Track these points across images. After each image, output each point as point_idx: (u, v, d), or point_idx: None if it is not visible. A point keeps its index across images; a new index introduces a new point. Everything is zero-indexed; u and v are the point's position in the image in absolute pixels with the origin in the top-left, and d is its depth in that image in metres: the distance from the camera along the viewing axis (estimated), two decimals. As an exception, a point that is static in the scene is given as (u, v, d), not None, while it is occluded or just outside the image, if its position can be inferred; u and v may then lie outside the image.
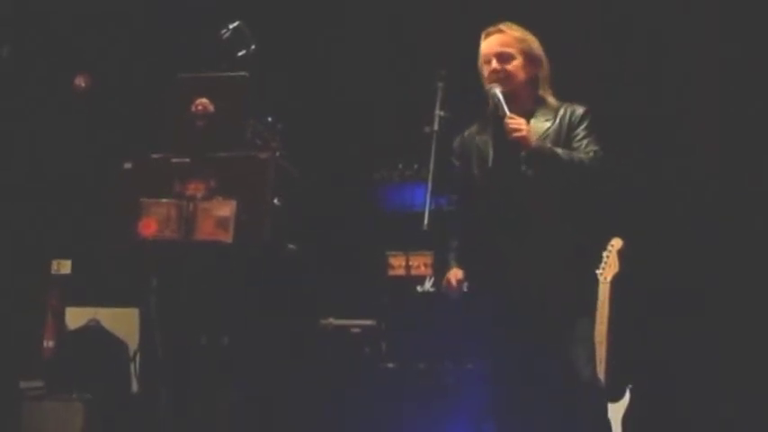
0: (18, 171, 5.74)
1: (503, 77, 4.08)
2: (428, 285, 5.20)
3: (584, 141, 4.02)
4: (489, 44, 4.15)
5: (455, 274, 4.12)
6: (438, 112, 4.35)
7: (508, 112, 3.99)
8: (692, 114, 5.70)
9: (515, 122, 3.97)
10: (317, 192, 5.50)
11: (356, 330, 5.33)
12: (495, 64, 4.10)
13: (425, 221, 4.03)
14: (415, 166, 5.14)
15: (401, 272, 5.20)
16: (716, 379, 5.35)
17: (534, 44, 4.16)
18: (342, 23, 6.30)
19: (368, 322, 5.30)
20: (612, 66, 5.79)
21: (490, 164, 4.08)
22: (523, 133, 3.96)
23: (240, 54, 4.77)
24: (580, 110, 4.10)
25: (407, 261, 5.16)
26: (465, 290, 4.12)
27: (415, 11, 6.10)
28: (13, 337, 5.44)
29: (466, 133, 4.26)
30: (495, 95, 4.06)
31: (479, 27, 4.15)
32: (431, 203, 3.97)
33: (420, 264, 5.20)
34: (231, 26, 4.79)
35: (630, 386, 4.96)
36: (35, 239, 5.76)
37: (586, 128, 4.06)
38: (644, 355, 5.27)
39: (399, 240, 5.15)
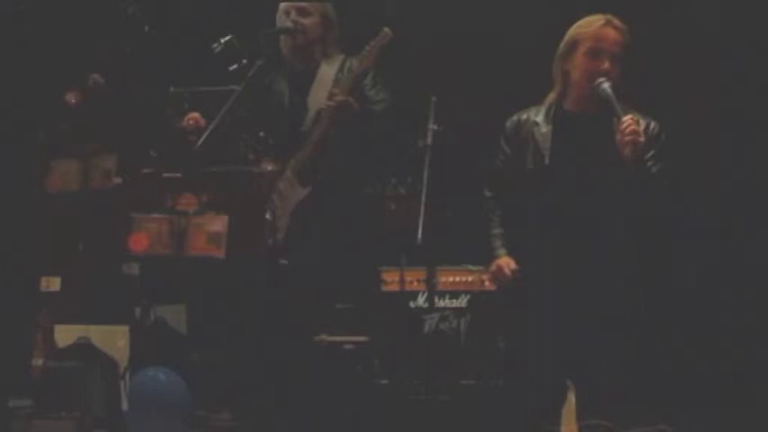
0: (5, 187, 5.71)
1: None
2: (421, 301, 5.17)
3: (657, 167, 3.82)
4: (609, 37, 3.87)
5: (507, 263, 3.88)
6: (431, 126, 4.34)
7: (622, 114, 3.73)
8: (690, 114, 5.68)
9: (637, 126, 3.72)
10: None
11: (349, 347, 5.29)
12: (608, 64, 3.84)
13: (419, 235, 4.00)
14: (409, 180, 5.12)
15: (395, 287, 5.17)
16: (718, 379, 5.33)
17: None
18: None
19: (361, 338, 5.27)
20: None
21: (547, 161, 3.89)
22: (641, 139, 3.72)
23: (231, 68, 4.78)
24: (653, 125, 3.89)
25: (401, 276, 5.13)
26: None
27: (410, 23, 6.08)
28: (1, 356, 5.39)
29: (523, 117, 4.01)
30: (604, 92, 3.80)
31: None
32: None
33: (413, 279, 5.17)
34: (223, 40, 4.81)
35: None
36: (23, 256, 5.72)
37: (659, 152, 3.85)
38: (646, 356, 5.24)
39: (393, 255, 5.11)
